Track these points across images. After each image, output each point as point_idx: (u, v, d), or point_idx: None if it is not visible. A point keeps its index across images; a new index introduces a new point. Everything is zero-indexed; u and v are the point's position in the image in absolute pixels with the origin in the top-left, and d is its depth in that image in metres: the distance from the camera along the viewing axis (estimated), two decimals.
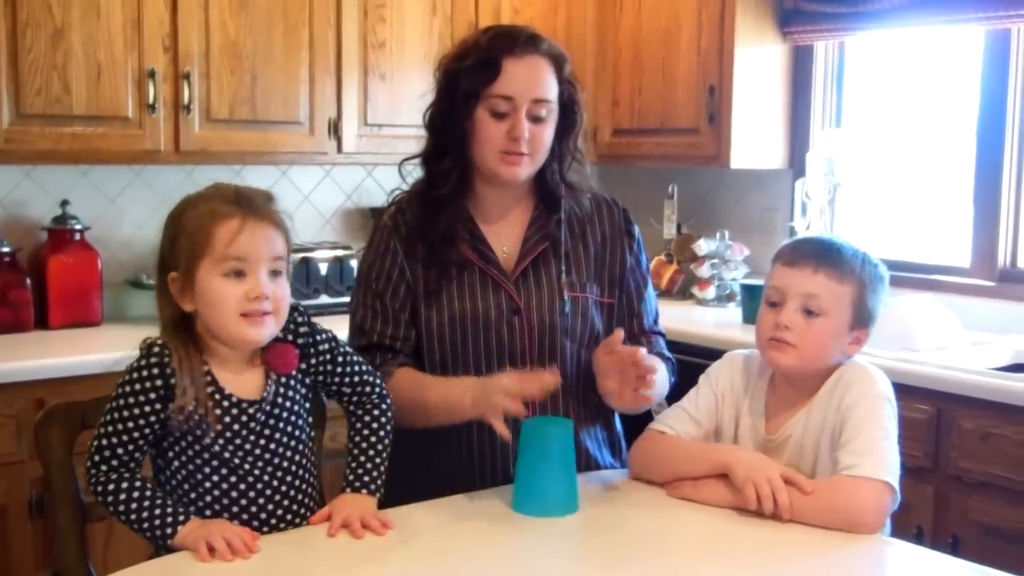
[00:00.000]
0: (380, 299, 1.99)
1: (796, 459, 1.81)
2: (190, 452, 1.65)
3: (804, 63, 3.81)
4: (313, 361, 1.75)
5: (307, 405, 1.75)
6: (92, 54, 3.04)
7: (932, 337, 3.01)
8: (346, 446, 1.79)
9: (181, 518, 1.60)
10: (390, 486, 1.79)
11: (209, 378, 1.64)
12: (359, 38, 3.52)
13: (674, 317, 3.44)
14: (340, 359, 1.77)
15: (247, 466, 1.66)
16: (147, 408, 1.61)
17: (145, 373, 1.61)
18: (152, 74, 3.13)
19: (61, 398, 1.88)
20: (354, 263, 3.60)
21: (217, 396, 1.64)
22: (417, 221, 2.00)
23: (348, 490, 1.74)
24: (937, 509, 2.71)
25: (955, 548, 2.60)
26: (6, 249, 3.14)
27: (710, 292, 3.83)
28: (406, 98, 3.54)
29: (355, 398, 1.81)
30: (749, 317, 3.40)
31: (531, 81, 1.92)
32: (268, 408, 1.68)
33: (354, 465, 1.76)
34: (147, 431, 1.62)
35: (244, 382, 1.67)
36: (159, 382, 1.60)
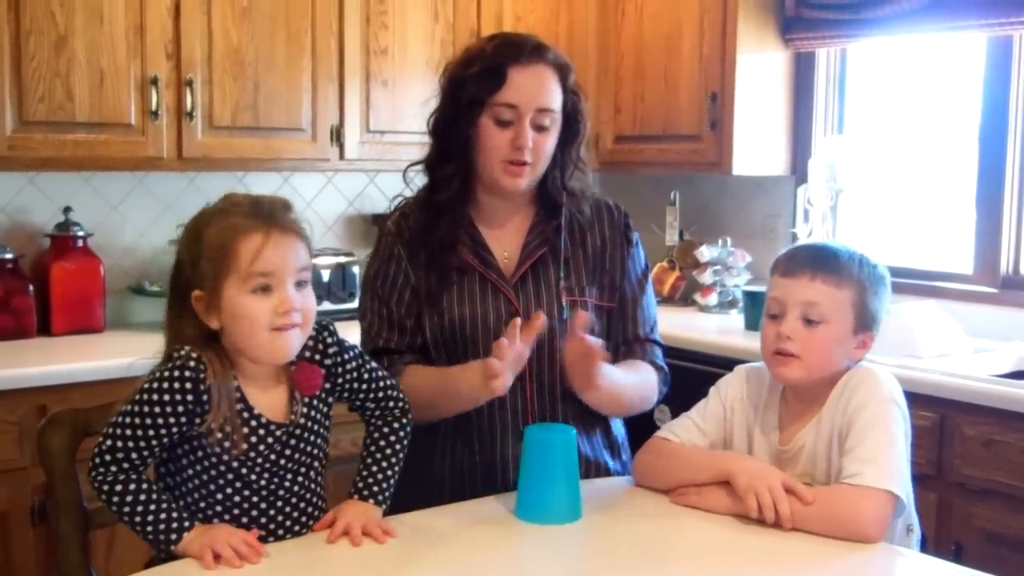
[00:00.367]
0: (386, 305, 1.99)
1: (810, 468, 1.80)
2: (205, 463, 1.63)
3: (806, 70, 3.81)
4: (340, 381, 1.74)
5: (328, 423, 1.74)
6: (95, 61, 3.04)
7: (935, 344, 3.01)
8: (360, 452, 1.79)
9: (187, 524, 1.60)
10: (394, 492, 1.78)
11: (239, 394, 1.63)
12: (361, 45, 3.53)
13: (676, 324, 3.44)
14: (366, 375, 1.77)
15: (263, 481, 1.66)
16: (171, 419, 1.58)
17: (177, 385, 1.57)
18: (155, 81, 3.13)
19: (63, 405, 1.88)
20: (356, 270, 3.61)
21: (245, 415, 1.63)
22: (420, 226, 2.01)
23: (356, 496, 1.74)
24: (940, 516, 2.71)
25: (958, 555, 2.59)
26: (9, 256, 3.14)
27: (712, 299, 3.83)
28: (408, 105, 3.55)
29: (377, 412, 1.81)
30: (751, 324, 3.40)
31: (536, 90, 1.93)
32: (292, 430, 1.67)
33: (365, 473, 1.76)
34: (165, 440, 1.60)
35: (271, 400, 1.66)
36: (190, 396, 1.58)
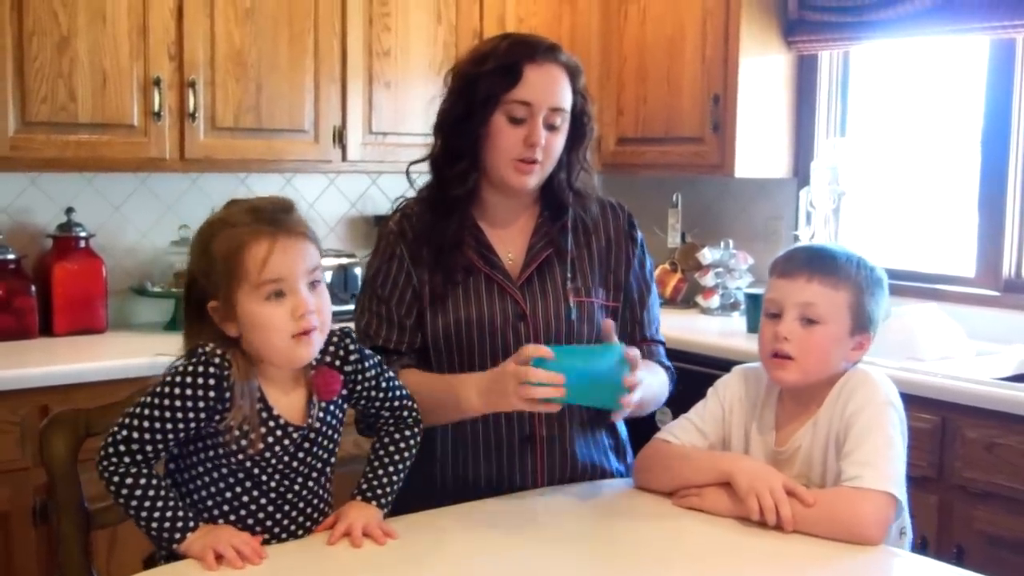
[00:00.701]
0: (386, 305, 1.99)
1: (806, 470, 1.81)
2: (217, 461, 1.63)
3: (809, 72, 3.81)
4: (358, 388, 1.75)
5: (341, 429, 1.74)
6: (98, 62, 3.05)
7: (936, 347, 3.01)
8: (367, 455, 1.79)
9: (192, 524, 1.60)
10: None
11: (259, 394, 1.63)
12: (364, 46, 3.53)
13: (678, 326, 3.45)
14: (384, 384, 1.77)
15: (272, 483, 1.66)
16: (191, 414, 1.58)
17: (201, 381, 1.57)
18: (157, 82, 3.14)
19: (65, 405, 1.88)
20: (358, 271, 3.61)
21: (264, 415, 1.63)
22: (424, 226, 2.00)
23: (359, 498, 1.74)
24: (941, 519, 2.71)
25: (959, 558, 2.59)
26: (11, 256, 3.15)
27: (714, 301, 3.83)
28: (411, 106, 3.55)
29: (391, 419, 1.81)
30: (753, 326, 3.40)
31: (550, 89, 1.93)
32: (308, 434, 1.67)
33: (370, 476, 1.76)
34: (182, 434, 1.60)
35: (291, 402, 1.66)
36: (212, 392, 1.57)
